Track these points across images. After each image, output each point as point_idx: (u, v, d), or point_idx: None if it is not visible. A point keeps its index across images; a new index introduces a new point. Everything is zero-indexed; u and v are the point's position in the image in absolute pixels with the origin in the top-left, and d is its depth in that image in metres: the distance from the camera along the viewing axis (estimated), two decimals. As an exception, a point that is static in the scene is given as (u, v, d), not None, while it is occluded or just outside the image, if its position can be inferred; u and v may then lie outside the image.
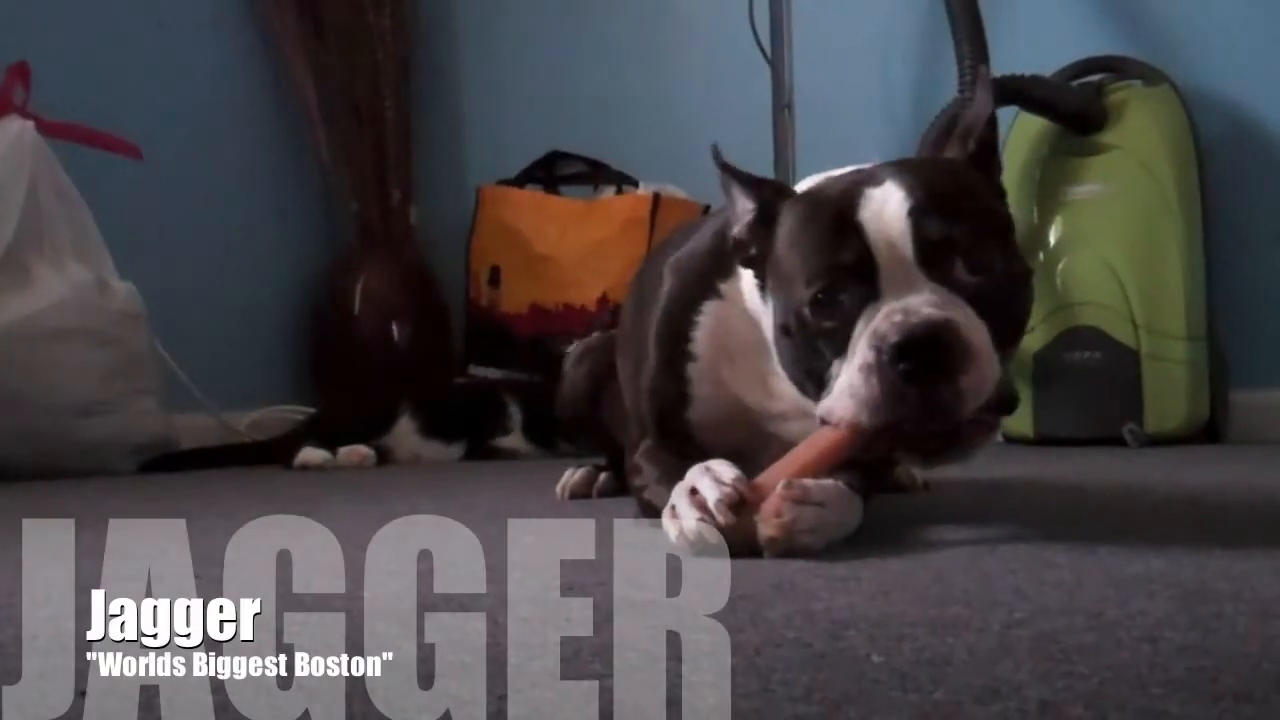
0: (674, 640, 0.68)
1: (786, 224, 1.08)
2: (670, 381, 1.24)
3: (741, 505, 0.98)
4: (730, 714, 0.53)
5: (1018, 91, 2.49)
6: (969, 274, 0.99)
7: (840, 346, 1.00)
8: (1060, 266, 2.52)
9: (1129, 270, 2.45)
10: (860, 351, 0.98)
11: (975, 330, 0.97)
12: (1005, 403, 1.00)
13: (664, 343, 1.24)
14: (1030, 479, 1.78)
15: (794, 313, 1.04)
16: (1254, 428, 2.53)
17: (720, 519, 0.97)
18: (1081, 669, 0.58)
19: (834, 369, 1.01)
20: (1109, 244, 2.47)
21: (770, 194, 1.12)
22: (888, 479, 1.48)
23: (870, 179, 1.04)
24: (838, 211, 1.02)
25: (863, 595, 0.80)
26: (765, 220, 1.11)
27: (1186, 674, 0.57)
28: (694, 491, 1.02)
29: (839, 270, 1.01)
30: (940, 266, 0.99)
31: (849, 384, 0.99)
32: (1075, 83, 2.60)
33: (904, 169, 1.05)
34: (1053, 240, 2.54)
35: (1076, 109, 2.52)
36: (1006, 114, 2.59)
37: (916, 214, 0.99)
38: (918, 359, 0.94)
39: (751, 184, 1.14)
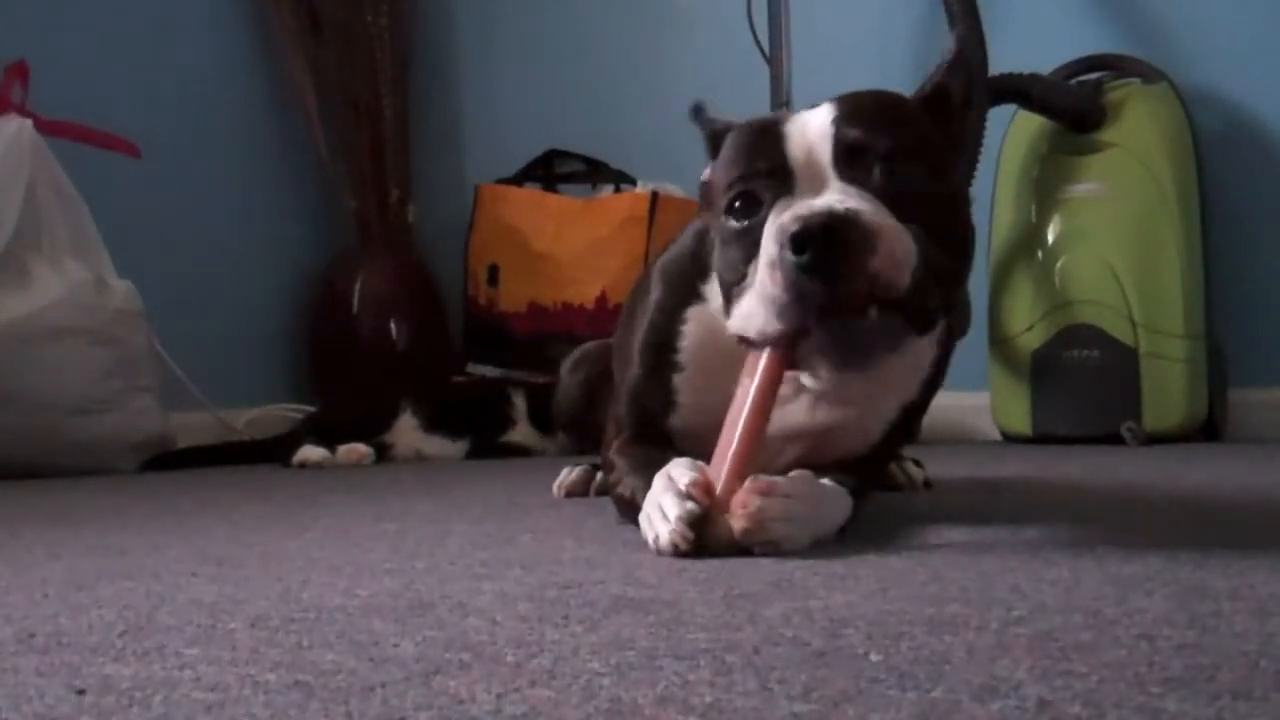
0: (672, 638, 0.68)
1: (724, 148, 1.10)
2: (655, 390, 1.23)
3: (706, 515, 0.98)
4: (729, 712, 0.53)
5: (1016, 90, 2.49)
6: (884, 181, 0.98)
7: (754, 248, 0.99)
8: (1059, 265, 2.52)
9: (1128, 268, 2.45)
10: (766, 248, 0.97)
11: (884, 215, 0.95)
12: (923, 316, 0.97)
13: (650, 353, 1.23)
14: (1028, 477, 1.78)
15: (719, 224, 1.06)
16: (1252, 426, 2.54)
17: (687, 533, 0.97)
18: (1079, 667, 0.58)
19: (750, 274, 1.00)
20: (1108, 242, 2.47)
21: (721, 129, 1.14)
22: (883, 477, 1.48)
23: (813, 107, 1.06)
24: (765, 126, 1.05)
25: (861, 593, 0.80)
26: (716, 156, 1.12)
27: (1184, 672, 0.57)
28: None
29: (755, 176, 1.02)
30: (856, 171, 0.99)
31: (757, 285, 0.98)
32: (1074, 81, 2.60)
33: (844, 96, 1.06)
34: (1051, 238, 2.54)
35: (1075, 107, 2.53)
36: (1005, 112, 2.60)
37: (839, 123, 1.01)
38: (818, 249, 0.92)
39: (708, 127, 1.16)
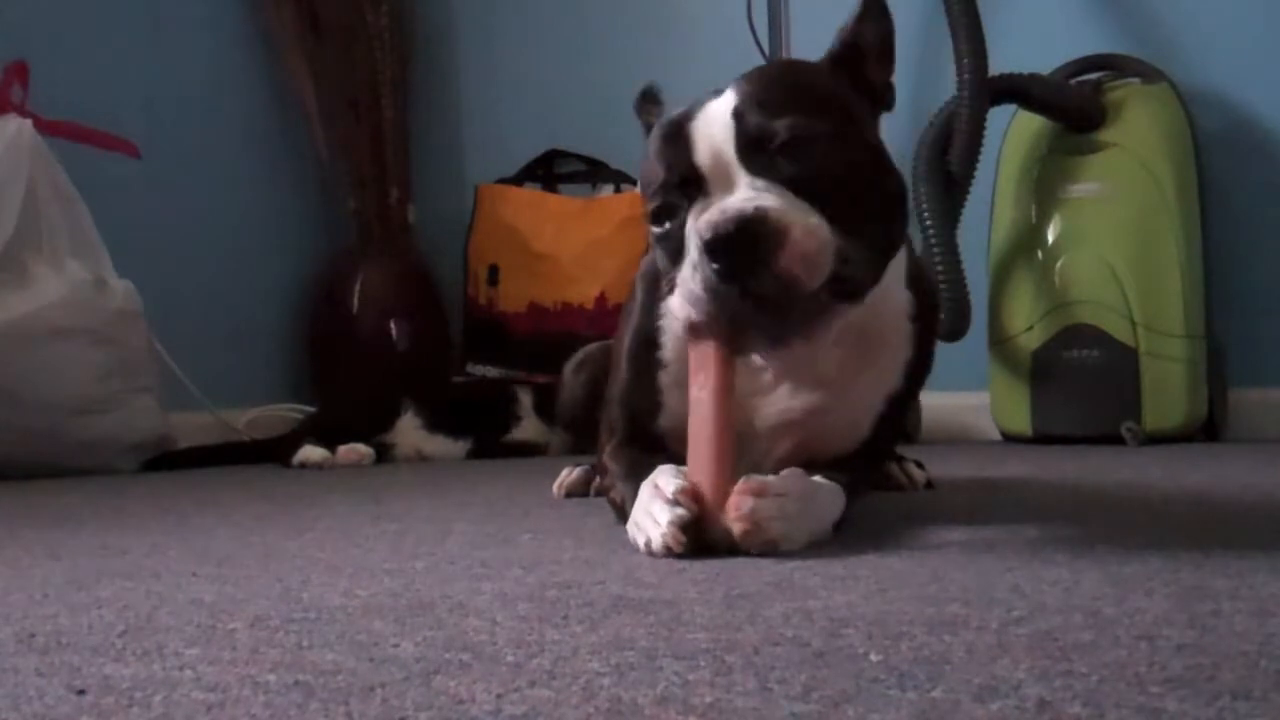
0: (672, 638, 0.68)
1: (647, 148, 1.12)
2: (642, 391, 1.25)
3: (700, 518, 0.99)
4: (729, 712, 0.53)
5: (1017, 90, 2.49)
6: (790, 164, 1.00)
7: (678, 251, 1.03)
8: (1059, 265, 2.52)
9: (1127, 268, 2.45)
10: (690, 249, 1.00)
11: (793, 211, 0.97)
12: (847, 286, 1.00)
13: (636, 353, 1.25)
14: (1028, 477, 1.78)
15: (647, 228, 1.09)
16: (1252, 426, 2.54)
17: (679, 537, 0.98)
18: (1080, 667, 0.58)
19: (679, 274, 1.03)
20: (1107, 242, 2.47)
21: (648, 124, 1.17)
22: (882, 477, 1.48)
23: (718, 91, 1.07)
24: (674, 126, 1.07)
25: (861, 593, 0.80)
26: None
27: (1184, 672, 0.57)
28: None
29: (669, 186, 1.05)
30: (760, 161, 1.01)
31: (681, 281, 1.01)
32: (1074, 81, 2.59)
33: (747, 76, 1.07)
34: (1051, 238, 2.54)
35: (1075, 107, 2.52)
36: (1005, 112, 2.60)
37: (738, 114, 1.02)
38: (729, 255, 0.96)
39: (644, 121, 1.19)
